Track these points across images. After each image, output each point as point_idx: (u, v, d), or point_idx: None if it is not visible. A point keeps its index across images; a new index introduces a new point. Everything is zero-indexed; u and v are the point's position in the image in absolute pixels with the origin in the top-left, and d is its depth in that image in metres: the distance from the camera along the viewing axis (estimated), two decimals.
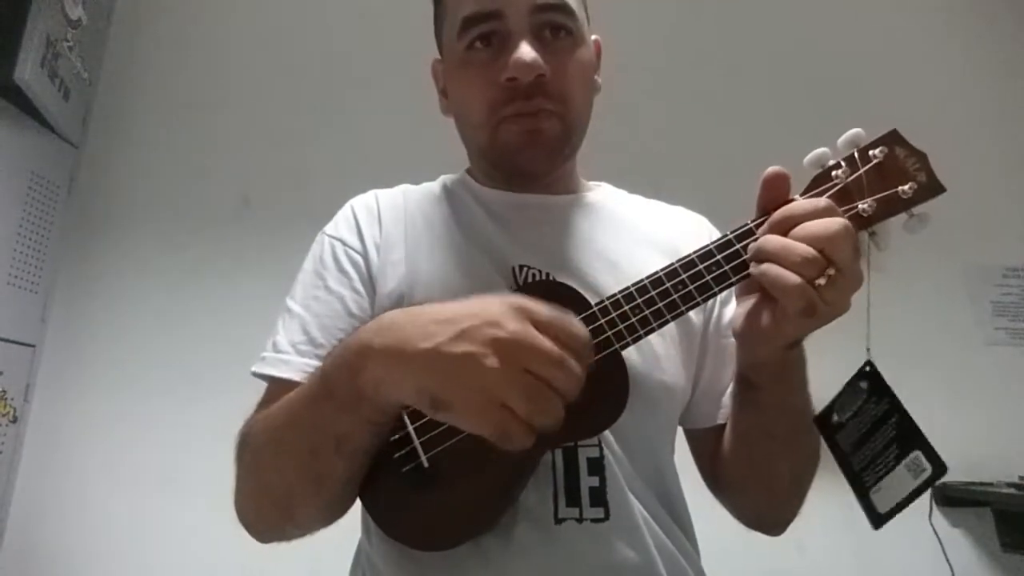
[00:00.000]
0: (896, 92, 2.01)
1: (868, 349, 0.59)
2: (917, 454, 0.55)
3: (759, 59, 2.12)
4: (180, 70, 2.06)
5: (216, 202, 1.95)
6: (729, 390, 0.69)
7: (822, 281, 0.49)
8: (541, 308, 0.46)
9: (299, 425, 0.55)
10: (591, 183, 0.81)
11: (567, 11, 0.66)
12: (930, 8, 2.19)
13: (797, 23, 2.16)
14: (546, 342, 0.45)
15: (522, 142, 0.66)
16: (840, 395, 0.60)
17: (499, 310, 0.46)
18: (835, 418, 0.59)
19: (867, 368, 0.58)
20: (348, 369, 0.51)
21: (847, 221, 0.51)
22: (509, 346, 0.44)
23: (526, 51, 0.63)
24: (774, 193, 0.55)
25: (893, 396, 0.57)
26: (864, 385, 0.58)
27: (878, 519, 0.56)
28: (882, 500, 0.56)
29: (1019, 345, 1.93)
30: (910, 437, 0.56)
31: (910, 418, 0.55)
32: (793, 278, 0.49)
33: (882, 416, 0.57)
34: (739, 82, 2.10)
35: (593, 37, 0.73)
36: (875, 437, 0.57)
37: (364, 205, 0.75)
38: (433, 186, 0.78)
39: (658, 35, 2.10)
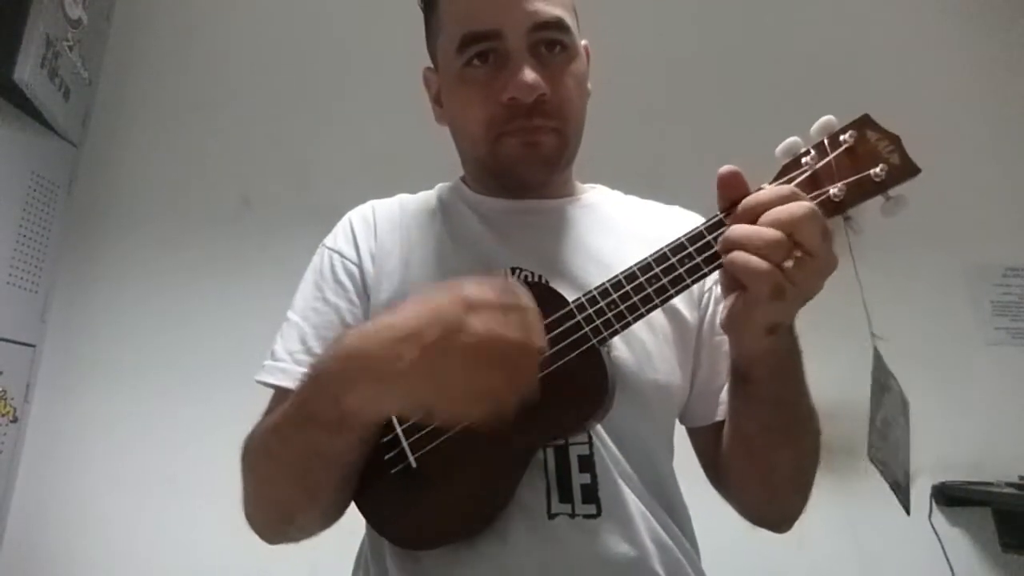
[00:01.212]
0: (897, 92, 2.01)
1: (873, 333, 0.59)
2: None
3: (758, 57, 2.12)
4: (180, 70, 2.07)
5: (216, 202, 1.95)
6: (726, 386, 0.69)
7: (789, 263, 0.49)
8: (486, 294, 0.48)
9: (288, 445, 0.57)
10: (586, 185, 0.81)
11: (563, 27, 0.67)
12: (932, 8, 2.20)
13: (798, 22, 2.16)
14: (507, 332, 0.47)
15: (521, 155, 0.67)
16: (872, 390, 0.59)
17: (453, 313, 0.47)
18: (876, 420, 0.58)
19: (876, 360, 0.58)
20: (327, 396, 0.52)
21: (812, 204, 0.51)
22: (479, 349, 0.46)
23: (528, 73, 0.64)
24: (731, 192, 0.56)
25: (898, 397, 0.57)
26: (880, 380, 0.58)
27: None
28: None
29: (1019, 345, 1.93)
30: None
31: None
32: (759, 262, 0.50)
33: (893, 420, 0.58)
34: (738, 81, 2.10)
35: (583, 42, 0.74)
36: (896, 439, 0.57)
37: (361, 217, 0.77)
38: (429, 195, 0.79)
39: (657, 34, 2.10)
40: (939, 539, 1.69)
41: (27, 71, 1.57)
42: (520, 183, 0.71)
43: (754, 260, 0.50)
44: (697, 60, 2.12)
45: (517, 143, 0.67)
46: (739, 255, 0.51)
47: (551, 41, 0.67)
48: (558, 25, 0.66)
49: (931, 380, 1.79)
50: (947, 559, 1.67)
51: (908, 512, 0.57)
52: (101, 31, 1.99)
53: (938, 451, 1.76)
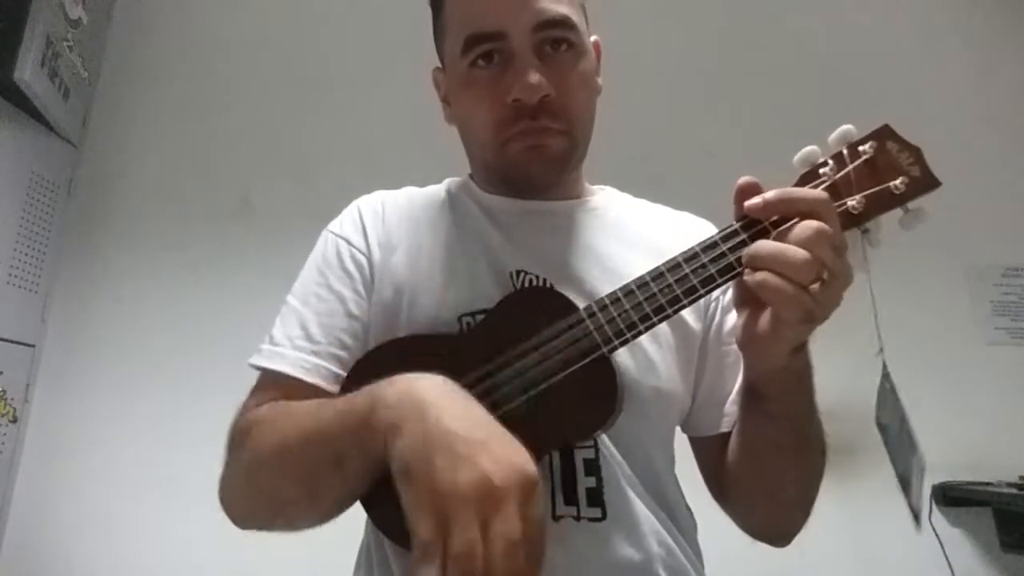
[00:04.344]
0: (897, 91, 2.01)
1: (882, 349, 0.59)
2: (919, 453, 0.55)
3: (761, 58, 2.12)
4: (180, 70, 2.06)
5: (216, 202, 1.95)
6: (731, 398, 0.69)
7: (816, 286, 0.49)
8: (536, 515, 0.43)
9: (308, 442, 0.55)
10: (595, 187, 0.80)
11: (568, 25, 0.66)
12: (933, 7, 2.20)
13: (800, 21, 2.16)
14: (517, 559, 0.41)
15: (529, 158, 0.67)
16: (878, 396, 0.59)
17: (506, 495, 0.42)
18: (880, 419, 0.58)
19: (887, 370, 0.58)
20: (377, 432, 0.49)
21: (820, 224, 0.50)
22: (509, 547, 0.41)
23: (532, 75, 0.63)
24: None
25: (898, 395, 0.57)
26: (888, 385, 0.58)
27: (917, 516, 0.56)
28: (914, 498, 0.56)
29: (1019, 345, 1.93)
30: (912, 436, 0.56)
31: (911, 428, 0.56)
32: (792, 289, 0.49)
33: (902, 416, 0.57)
34: (740, 81, 2.10)
35: (592, 38, 0.73)
36: (900, 435, 0.57)
37: (370, 206, 0.75)
38: (438, 190, 0.78)
39: (659, 34, 2.10)
40: (939, 539, 1.68)
41: (27, 71, 1.57)
42: (529, 184, 0.70)
43: (786, 286, 0.49)
44: (699, 59, 2.12)
45: (523, 148, 0.66)
46: (772, 280, 0.49)
47: (556, 40, 0.66)
48: (563, 23, 0.65)
49: (931, 380, 1.79)
50: (947, 559, 1.67)
51: (917, 522, 0.56)
52: (101, 31, 1.99)
53: (938, 451, 1.76)
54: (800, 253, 0.49)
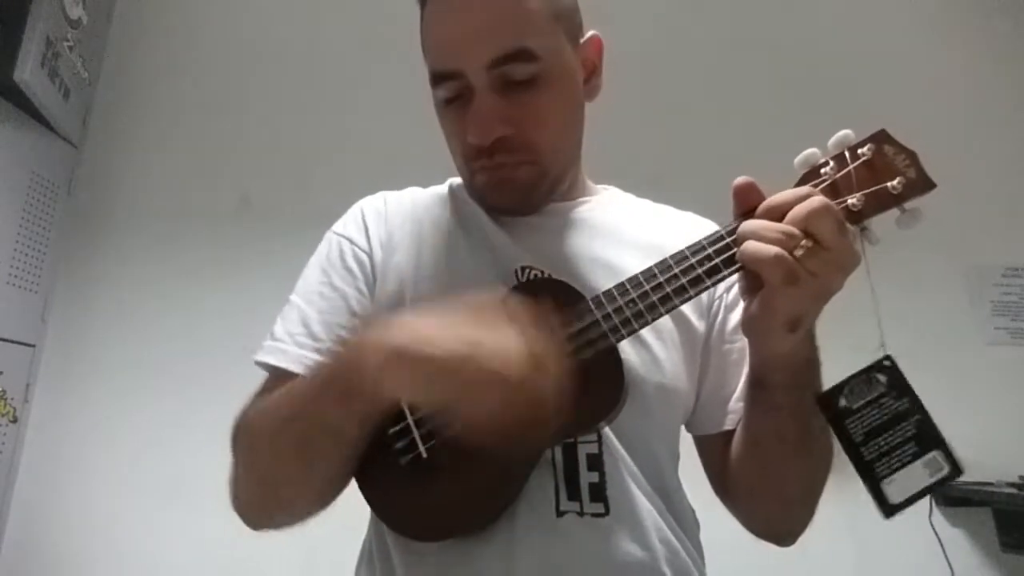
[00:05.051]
0: (898, 91, 2.01)
1: (883, 344, 0.59)
2: (935, 454, 0.55)
3: (760, 58, 2.12)
4: (180, 70, 2.07)
5: (216, 202, 1.95)
6: (736, 395, 0.69)
7: (799, 252, 0.50)
8: (548, 350, 0.49)
9: (294, 414, 0.57)
10: (599, 187, 0.80)
11: (527, 56, 0.63)
12: (933, 8, 2.20)
13: (800, 22, 2.16)
14: (544, 396, 0.48)
15: (495, 189, 0.68)
16: (849, 381, 0.59)
17: (513, 347, 0.48)
18: (842, 402, 0.58)
19: (886, 363, 0.58)
20: (347, 364, 0.52)
21: (824, 197, 0.52)
22: (515, 392, 0.47)
23: (482, 119, 0.64)
24: (747, 201, 0.57)
25: (915, 396, 0.57)
26: (882, 379, 0.58)
27: (890, 509, 0.56)
28: (895, 491, 0.56)
29: (1019, 345, 1.93)
30: (930, 438, 0.56)
31: (931, 420, 0.56)
32: (768, 247, 0.51)
33: (903, 413, 0.57)
34: (740, 82, 2.10)
35: (591, 33, 0.72)
36: (893, 431, 0.57)
37: (372, 206, 0.76)
38: (441, 189, 0.79)
39: (658, 33, 2.10)
40: (939, 539, 1.69)
41: (27, 71, 1.57)
42: (501, 211, 0.71)
43: (763, 246, 0.51)
44: (698, 58, 2.12)
45: (487, 181, 0.68)
46: (750, 243, 0.52)
47: (517, 73, 0.64)
48: (520, 56, 0.63)
49: (931, 380, 1.78)
50: (947, 559, 1.67)
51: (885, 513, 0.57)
52: (101, 31, 1.99)
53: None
54: (779, 224, 0.52)
